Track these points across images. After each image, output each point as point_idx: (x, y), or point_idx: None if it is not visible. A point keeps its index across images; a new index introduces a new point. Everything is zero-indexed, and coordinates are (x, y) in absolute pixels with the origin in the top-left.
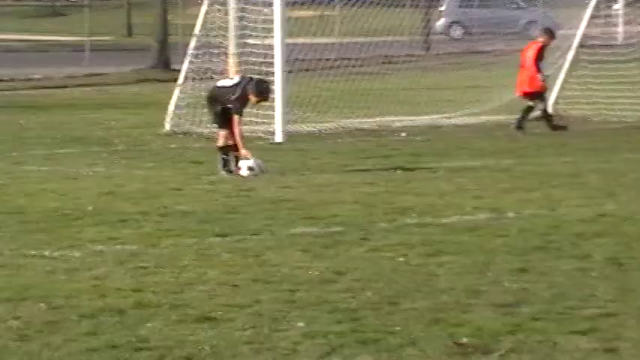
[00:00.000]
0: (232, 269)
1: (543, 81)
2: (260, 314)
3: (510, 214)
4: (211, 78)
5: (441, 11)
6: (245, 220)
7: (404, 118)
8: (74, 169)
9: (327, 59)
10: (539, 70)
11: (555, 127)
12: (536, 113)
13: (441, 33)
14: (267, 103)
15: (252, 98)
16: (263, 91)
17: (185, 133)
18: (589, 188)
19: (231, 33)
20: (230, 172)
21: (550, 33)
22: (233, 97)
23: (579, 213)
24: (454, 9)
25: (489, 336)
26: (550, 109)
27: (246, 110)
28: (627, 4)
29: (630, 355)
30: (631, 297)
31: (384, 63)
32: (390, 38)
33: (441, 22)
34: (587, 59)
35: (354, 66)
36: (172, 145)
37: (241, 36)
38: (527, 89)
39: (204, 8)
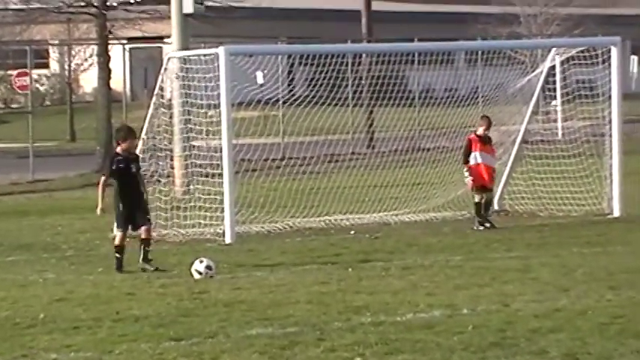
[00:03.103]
0: None
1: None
2: None
3: (465, 311)
4: (158, 181)
5: None
6: (199, 322)
7: (351, 216)
8: (23, 276)
9: (273, 159)
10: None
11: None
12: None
13: None
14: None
15: (120, 145)
16: (118, 130)
17: (133, 237)
18: (541, 283)
19: (177, 136)
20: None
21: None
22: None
23: (533, 308)
24: None
25: None
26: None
27: (195, 213)
28: (565, 101)
29: None
30: None
31: (329, 162)
32: (334, 137)
33: None
34: (530, 154)
35: (300, 165)
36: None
37: (187, 138)
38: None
39: (149, 111)
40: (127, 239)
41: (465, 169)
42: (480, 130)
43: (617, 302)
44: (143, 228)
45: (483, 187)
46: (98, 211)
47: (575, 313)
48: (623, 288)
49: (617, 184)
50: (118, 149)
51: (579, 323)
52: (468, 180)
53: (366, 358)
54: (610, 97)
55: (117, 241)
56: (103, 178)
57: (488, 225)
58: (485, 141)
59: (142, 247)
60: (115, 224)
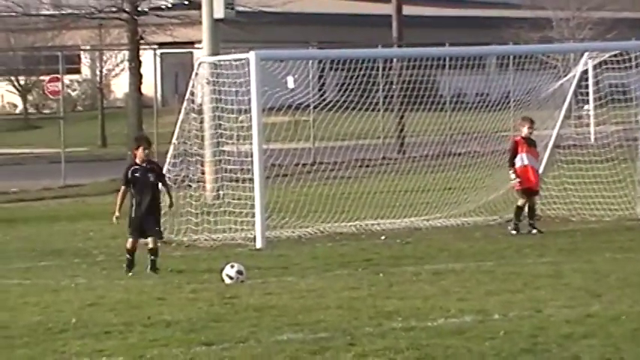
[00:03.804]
0: None
1: (514, 179)
2: None
3: (496, 316)
4: (189, 186)
5: None
6: (230, 328)
7: (382, 221)
8: (55, 281)
9: (304, 164)
10: (510, 165)
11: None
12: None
13: None
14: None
15: (136, 153)
16: (134, 139)
17: (165, 242)
18: (573, 289)
19: (207, 141)
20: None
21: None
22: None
23: (565, 314)
24: None
25: None
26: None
27: (225, 218)
28: (598, 106)
29: None
30: None
31: (360, 167)
32: (365, 142)
33: None
34: (562, 159)
35: (331, 170)
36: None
37: (217, 144)
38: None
39: (180, 117)
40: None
41: (512, 172)
42: (525, 132)
43: None
44: (150, 238)
45: (530, 189)
46: (114, 218)
47: (607, 319)
48: None
49: None
50: (136, 159)
51: (612, 329)
52: (515, 182)
53: None
54: None
55: (128, 246)
56: (122, 188)
57: (534, 231)
58: (530, 143)
59: (149, 256)
60: (128, 231)
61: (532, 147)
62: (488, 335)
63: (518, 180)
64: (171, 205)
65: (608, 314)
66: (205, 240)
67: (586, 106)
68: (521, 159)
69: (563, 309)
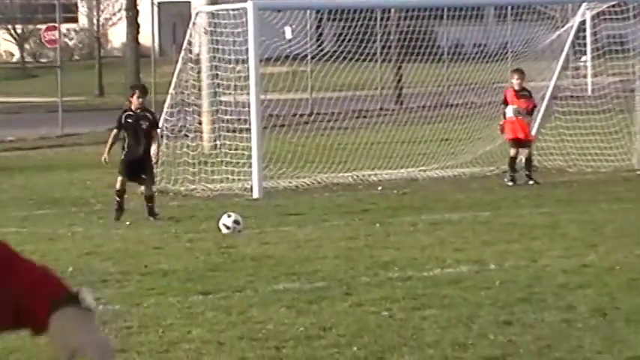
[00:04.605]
0: (217, 327)
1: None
2: None
3: (492, 266)
4: (186, 136)
5: None
6: (227, 277)
7: (379, 172)
8: (52, 230)
9: (301, 115)
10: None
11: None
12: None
13: None
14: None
15: (131, 100)
16: (131, 87)
17: (162, 192)
18: (569, 239)
19: (205, 91)
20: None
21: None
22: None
23: (561, 264)
24: None
25: None
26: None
27: (222, 168)
28: (595, 57)
29: None
30: (617, 348)
31: (357, 117)
32: (362, 93)
33: None
34: (559, 110)
35: (328, 121)
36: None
37: (215, 94)
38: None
39: (178, 67)
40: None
41: (501, 122)
42: (514, 83)
43: None
44: (143, 186)
45: (517, 140)
46: (102, 159)
47: (603, 269)
48: None
49: None
50: (131, 105)
51: (607, 279)
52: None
53: (393, 313)
54: None
55: (117, 186)
56: (114, 131)
57: (531, 182)
58: (519, 94)
59: (146, 203)
60: (119, 171)
61: (521, 99)
62: (484, 285)
63: (499, 128)
64: (156, 159)
65: (603, 264)
66: (202, 190)
67: (583, 57)
68: (510, 110)
69: (559, 259)
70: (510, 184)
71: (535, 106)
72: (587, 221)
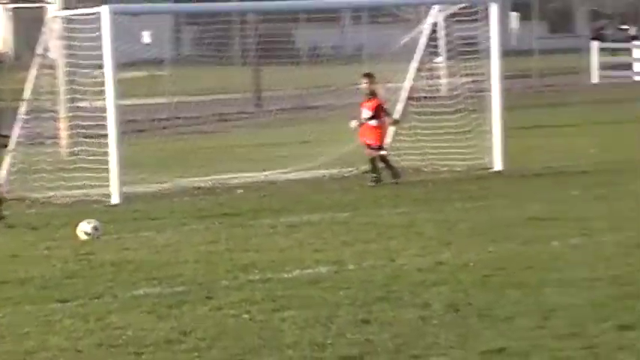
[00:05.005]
0: (75, 334)
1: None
2: None
3: (351, 266)
4: (42, 143)
5: None
6: (86, 284)
7: (240, 175)
8: None
9: (161, 119)
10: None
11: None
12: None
13: None
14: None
15: None
16: None
17: (18, 199)
18: (425, 238)
19: (62, 97)
20: None
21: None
22: None
23: (417, 262)
24: None
25: None
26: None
27: (81, 175)
28: (449, 57)
29: None
30: (471, 343)
31: (217, 121)
32: (222, 96)
33: None
34: (414, 111)
35: (188, 125)
36: (6, 212)
37: (72, 99)
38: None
39: (33, 72)
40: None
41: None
42: (362, 87)
43: (498, 254)
44: None
45: (365, 143)
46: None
47: (457, 267)
48: (504, 240)
49: (499, 139)
50: None
51: (462, 276)
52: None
53: (253, 315)
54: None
55: None
56: None
57: (372, 183)
58: (367, 97)
59: None
60: None
61: (367, 101)
62: (343, 285)
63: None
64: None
65: (457, 262)
66: (61, 197)
67: (438, 58)
68: (363, 114)
69: (415, 258)
70: (373, 184)
71: (380, 105)
72: (442, 220)
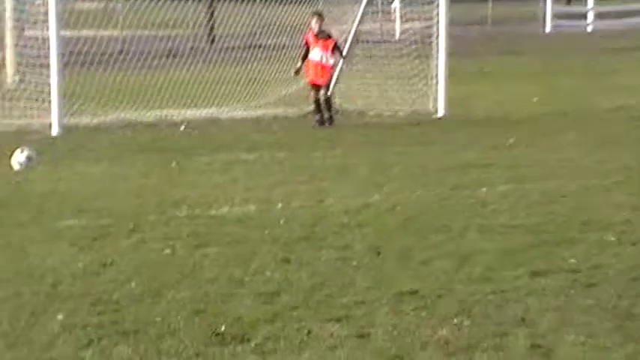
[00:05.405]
0: None
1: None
2: (19, 307)
3: (279, 206)
4: None
5: None
6: (12, 213)
7: (183, 111)
8: None
9: (111, 53)
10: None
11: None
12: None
13: None
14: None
15: None
16: None
17: None
18: (357, 180)
19: (8, 24)
20: None
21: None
22: None
23: (345, 204)
24: None
25: (248, 325)
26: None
27: (21, 104)
28: (407, 4)
29: (381, 340)
30: (386, 285)
31: (167, 56)
32: (174, 32)
33: None
34: (361, 54)
35: (137, 60)
36: None
37: (18, 28)
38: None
39: None
40: None
41: (298, 64)
42: (314, 26)
43: (425, 198)
44: None
45: (314, 83)
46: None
47: (384, 210)
48: (434, 184)
49: (442, 85)
50: None
51: (387, 218)
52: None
53: (175, 250)
54: None
55: None
56: None
57: (315, 124)
58: (320, 37)
59: None
60: None
61: (321, 40)
62: (268, 223)
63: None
64: None
65: (384, 205)
66: (1, 125)
67: (393, 3)
68: (315, 53)
69: (343, 199)
70: (316, 124)
71: (336, 44)
72: (377, 163)
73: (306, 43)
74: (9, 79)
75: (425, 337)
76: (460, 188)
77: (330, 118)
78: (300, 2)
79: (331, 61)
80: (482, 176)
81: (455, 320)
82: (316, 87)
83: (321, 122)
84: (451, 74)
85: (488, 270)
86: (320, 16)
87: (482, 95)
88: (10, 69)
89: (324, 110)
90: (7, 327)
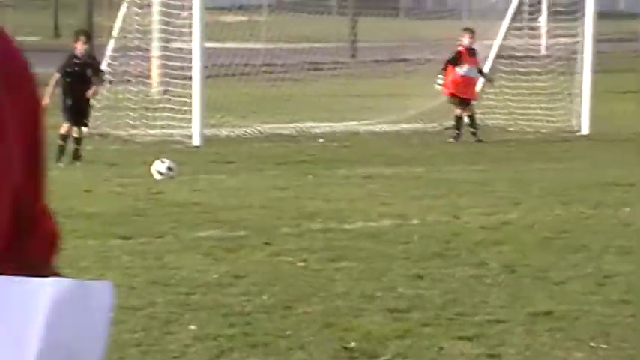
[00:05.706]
0: (130, 271)
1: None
2: (153, 317)
3: (414, 221)
4: (129, 81)
5: None
6: (151, 223)
7: (323, 124)
8: None
9: (254, 65)
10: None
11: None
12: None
13: None
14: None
15: (76, 46)
16: (75, 33)
17: (102, 135)
18: (495, 197)
19: (155, 36)
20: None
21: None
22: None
23: (482, 221)
24: None
25: (378, 340)
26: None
27: (165, 114)
28: (553, 19)
29: None
30: (520, 303)
31: (309, 69)
32: (317, 45)
33: None
34: (503, 69)
35: (279, 72)
36: (88, 147)
37: (164, 39)
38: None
39: (122, 10)
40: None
41: (440, 77)
42: (466, 42)
43: (565, 217)
44: (75, 128)
45: (464, 99)
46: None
47: (521, 227)
48: (574, 203)
49: (587, 102)
50: (76, 52)
51: (524, 237)
52: (439, 87)
53: (308, 263)
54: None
55: (62, 131)
56: (57, 75)
57: (474, 139)
58: (471, 53)
59: (74, 145)
60: (63, 118)
61: (473, 57)
62: (402, 239)
63: (440, 85)
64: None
65: (522, 222)
66: (143, 135)
67: (539, 18)
68: (463, 69)
69: (480, 216)
70: (452, 140)
71: (480, 61)
72: (517, 180)
73: (459, 56)
74: (153, 90)
75: (559, 359)
76: (601, 207)
77: (474, 134)
78: (442, 17)
79: (478, 77)
80: (625, 196)
81: (591, 343)
82: (464, 102)
83: (458, 137)
84: (596, 91)
85: (628, 292)
86: (472, 32)
87: (628, 114)
88: (154, 80)
89: (472, 125)
90: (142, 335)
